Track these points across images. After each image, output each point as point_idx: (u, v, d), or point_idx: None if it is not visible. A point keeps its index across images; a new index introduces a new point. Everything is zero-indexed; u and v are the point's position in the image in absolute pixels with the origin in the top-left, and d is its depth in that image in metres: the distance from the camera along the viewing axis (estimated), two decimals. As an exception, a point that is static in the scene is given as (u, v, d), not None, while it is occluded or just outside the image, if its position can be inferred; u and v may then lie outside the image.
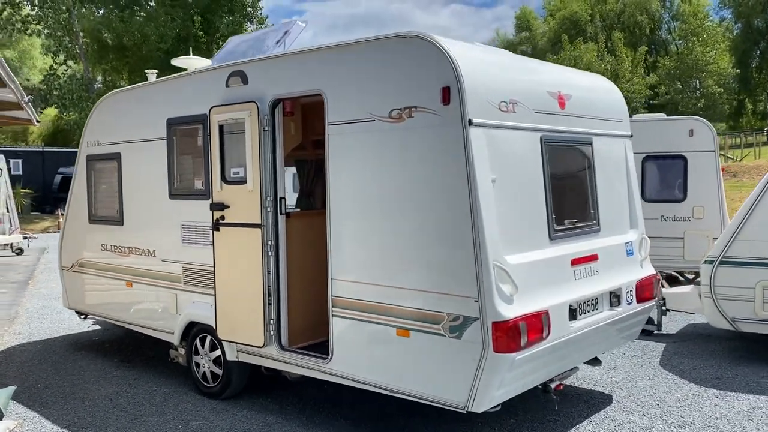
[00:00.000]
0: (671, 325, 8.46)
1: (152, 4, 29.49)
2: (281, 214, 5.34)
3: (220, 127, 5.55)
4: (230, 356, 5.72)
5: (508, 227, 4.33)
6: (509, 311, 4.12)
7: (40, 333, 8.54)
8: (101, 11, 31.54)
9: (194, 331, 6.09)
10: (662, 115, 11.18)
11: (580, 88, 5.37)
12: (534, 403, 5.54)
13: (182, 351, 6.23)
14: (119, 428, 5.31)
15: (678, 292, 7.81)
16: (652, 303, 5.72)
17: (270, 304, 5.31)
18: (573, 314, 4.69)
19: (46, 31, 31.34)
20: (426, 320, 4.37)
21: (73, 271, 7.60)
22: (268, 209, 5.28)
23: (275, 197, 5.31)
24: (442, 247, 4.31)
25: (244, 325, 5.47)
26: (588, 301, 4.92)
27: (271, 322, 5.31)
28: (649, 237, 5.79)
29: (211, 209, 5.62)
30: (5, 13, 31.27)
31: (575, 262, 4.86)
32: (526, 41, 55.78)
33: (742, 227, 6.70)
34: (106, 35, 31.10)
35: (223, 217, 5.56)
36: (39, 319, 9.28)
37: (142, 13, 30.58)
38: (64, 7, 29.94)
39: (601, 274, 5.12)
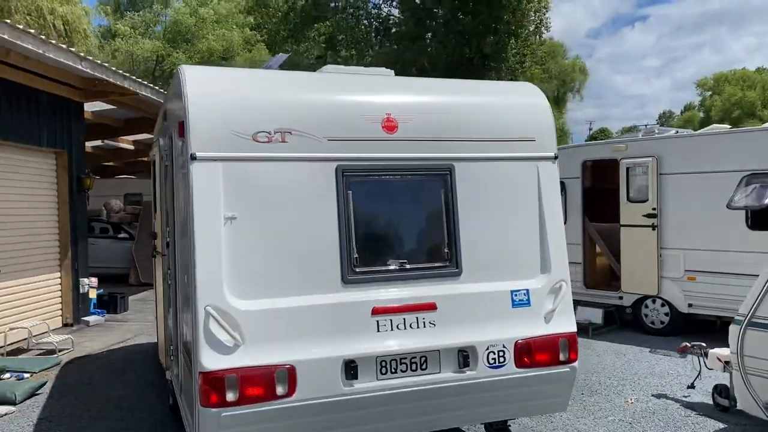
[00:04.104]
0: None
1: (431, 33, 31.13)
2: (180, 244, 5.58)
3: (154, 161, 6.05)
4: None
5: (250, 269, 3.97)
6: (215, 362, 3.78)
7: (165, 336, 10.00)
8: (398, 45, 34.48)
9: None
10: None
11: (439, 107, 4.56)
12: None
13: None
14: (80, 425, 6.11)
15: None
16: (559, 369, 4.50)
17: (169, 329, 5.59)
18: (353, 372, 4.03)
19: (352, 69, 35.60)
20: (191, 360, 4.23)
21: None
22: (167, 239, 5.58)
23: (174, 227, 5.57)
24: (186, 286, 4.16)
25: (161, 344, 5.85)
26: (400, 357, 4.17)
27: (171, 347, 5.58)
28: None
29: (150, 237, 6.14)
30: (326, 57, 36.45)
31: (378, 311, 4.15)
32: None
33: (778, 276, 4.80)
34: (397, 67, 33.78)
35: (155, 246, 6.04)
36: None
37: (435, 45, 32.42)
38: (368, 47, 33.80)
39: (440, 327, 4.27)
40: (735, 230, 8.45)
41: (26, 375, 7.57)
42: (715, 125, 10.21)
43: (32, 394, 6.94)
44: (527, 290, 4.53)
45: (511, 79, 29.37)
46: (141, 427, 6.03)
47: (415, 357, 4.21)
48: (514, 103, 4.83)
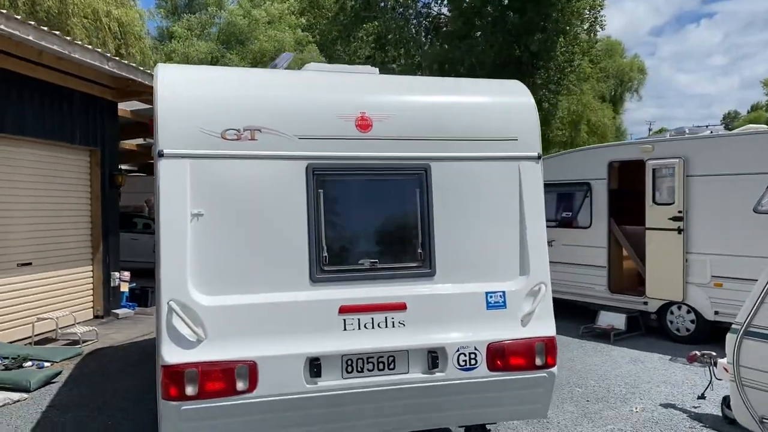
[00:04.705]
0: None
1: (480, 33, 30.78)
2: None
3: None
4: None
5: (216, 266, 4.00)
6: (176, 356, 3.83)
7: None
8: (448, 45, 34.27)
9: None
10: None
11: (417, 106, 4.50)
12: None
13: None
14: (84, 414, 6.31)
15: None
16: (535, 374, 4.39)
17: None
18: (316, 370, 4.02)
19: (399, 69, 35.50)
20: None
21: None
22: (163, 235, 5.68)
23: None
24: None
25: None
26: (367, 357, 4.14)
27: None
28: None
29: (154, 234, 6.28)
30: (375, 57, 36.54)
31: (346, 309, 4.14)
32: None
33: (775, 283, 4.56)
34: (446, 67, 33.57)
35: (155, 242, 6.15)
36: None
37: (482, 44, 32.11)
38: (417, 47, 33.70)
39: (410, 328, 4.23)
40: (764, 235, 8.07)
41: (47, 364, 7.84)
42: (750, 125, 9.77)
43: (47, 383, 7.19)
44: (503, 292, 4.43)
45: (560, 78, 28.87)
46: (140, 418, 6.17)
47: (382, 356, 4.18)
48: (495, 101, 4.73)
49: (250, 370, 3.91)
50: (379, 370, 4.18)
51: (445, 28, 34.00)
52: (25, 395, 6.80)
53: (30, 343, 8.92)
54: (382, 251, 4.39)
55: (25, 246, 9.24)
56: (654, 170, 9.16)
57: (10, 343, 8.65)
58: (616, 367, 7.82)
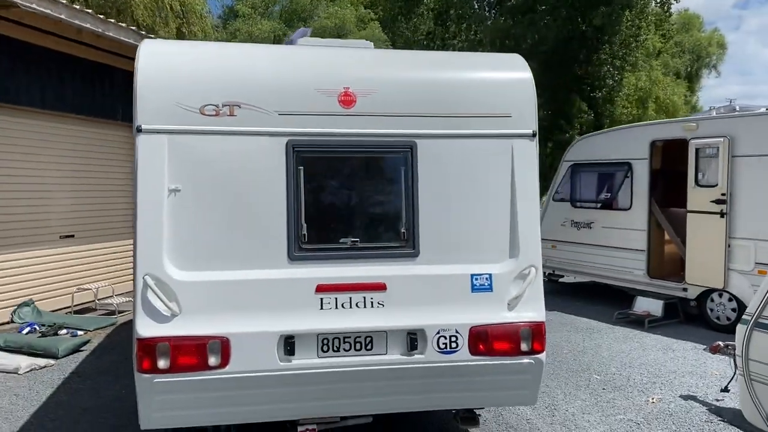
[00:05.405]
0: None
1: (544, 7, 29.87)
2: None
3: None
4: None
5: (192, 242, 4.01)
6: (149, 329, 3.88)
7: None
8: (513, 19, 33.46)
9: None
10: None
11: (404, 81, 4.36)
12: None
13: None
14: (104, 381, 6.54)
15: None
16: (519, 359, 4.23)
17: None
18: (290, 348, 4.00)
19: (459, 45, 34.92)
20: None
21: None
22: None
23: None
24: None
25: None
26: (343, 336, 4.09)
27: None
28: None
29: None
30: (435, 32, 36.13)
31: (323, 288, 4.09)
32: None
33: (787, 273, 4.23)
34: (507, 42, 32.79)
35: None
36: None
37: (546, 18, 31.22)
38: (478, 21, 33.12)
39: (389, 308, 4.14)
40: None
41: (80, 332, 8.16)
42: (807, 102, 9.10)
43: (75, 350, 7.47)
44: (490, 275, 4.28)
45: (625, 54, 27.74)
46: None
47: (359, 337, 4.11)
48: (488, 76, 4.53)
49: (223, 346, 3.92)
50: (356, 350, 4.12)
51: (509, 2, 33.12)
52: (52, 362, 7.09)
53: (70, 312, 9.29)
54: (364, 230, 4.31)
55: (67, 219, 9.60)
56: (697, 150, 8.67)
57: (52, 311, 9.04)
58: (643, 355, 7.51)
